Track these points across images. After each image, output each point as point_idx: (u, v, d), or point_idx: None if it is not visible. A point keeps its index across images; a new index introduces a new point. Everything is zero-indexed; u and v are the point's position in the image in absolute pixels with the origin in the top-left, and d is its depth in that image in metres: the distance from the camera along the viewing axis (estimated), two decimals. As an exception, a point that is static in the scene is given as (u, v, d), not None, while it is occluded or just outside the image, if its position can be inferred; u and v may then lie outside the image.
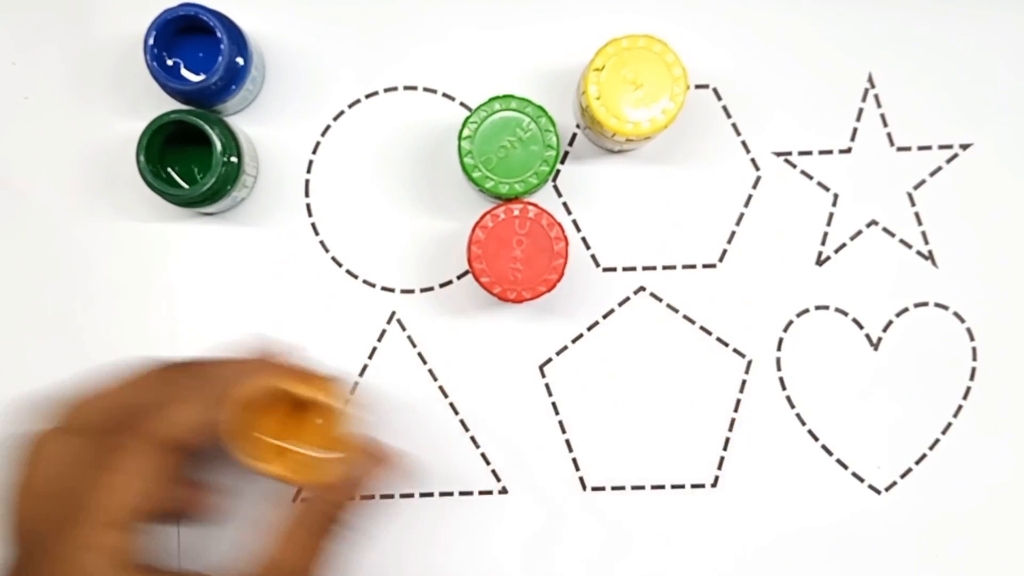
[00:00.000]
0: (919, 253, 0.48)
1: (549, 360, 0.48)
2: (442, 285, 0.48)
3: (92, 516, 0.35)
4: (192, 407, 0.37)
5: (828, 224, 0.48)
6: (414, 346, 0.48)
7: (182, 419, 0.37)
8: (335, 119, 0.47)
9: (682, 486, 0.48)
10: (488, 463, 0.48)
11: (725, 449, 0.48)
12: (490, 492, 0.48)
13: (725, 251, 0.48)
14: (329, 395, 0.38)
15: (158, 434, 0.36)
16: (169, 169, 0.45)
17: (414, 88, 0.48)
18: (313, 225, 0.48)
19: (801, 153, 0.48)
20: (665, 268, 0.48)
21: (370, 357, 0.48)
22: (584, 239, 0.48)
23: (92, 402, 0.38)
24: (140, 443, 0.36)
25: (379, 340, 0.48)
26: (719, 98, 0.48)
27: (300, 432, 0.38)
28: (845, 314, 0.48)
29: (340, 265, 0.48)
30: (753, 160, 0.48)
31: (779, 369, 0.48)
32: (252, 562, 0.38)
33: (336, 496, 0.40)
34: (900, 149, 0.48)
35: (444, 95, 0.47)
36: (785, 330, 0.48)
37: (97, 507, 0.35)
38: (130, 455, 0.36)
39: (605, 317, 0.48)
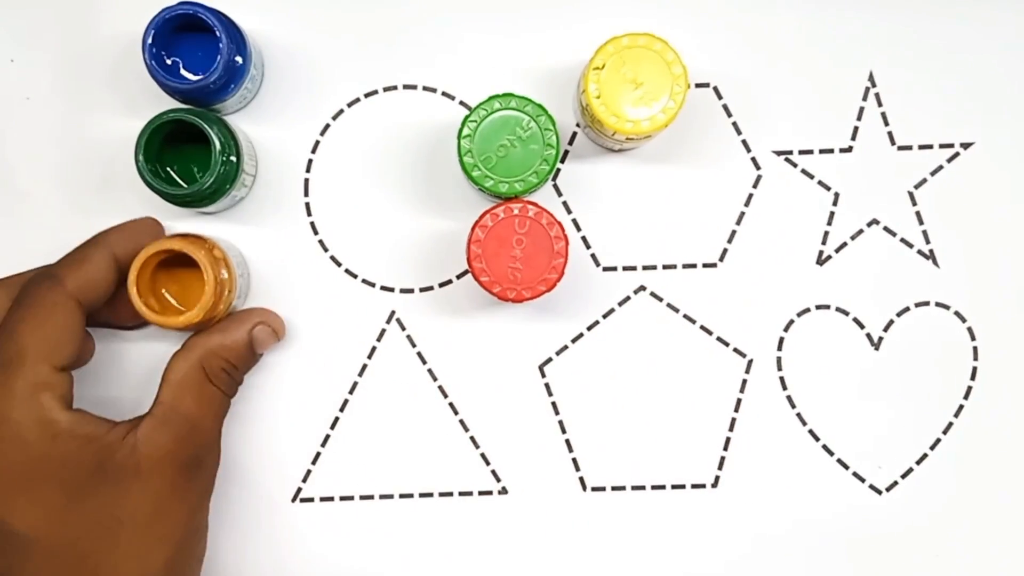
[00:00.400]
0: (920, 252, 0.48)
1: (549, 360, 0.48)
2: (442, 285, 0.48)
3: (34, 358, 0.39)
4: (99, 266, 0.42)
5: (829, 223, 0.48)
6: (414, 346, 0.48)
7: (92, 276, 0.42)
8: (334, 118, 0.47)
9: (682, 486, 0.48)
10: (488, 463, 0.48)
11: (726, 449, 0.48)
12: (490, 492, 0.48)
13: (726, 250, 0.48)
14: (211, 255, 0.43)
15: (73, 288, 0.41)
16: (168, 168, 0.45)
17: (413, 87, 0.47)
18: (312, 224, 0.48)
19: (802, 152, 0.48)
20: (665, 267, 0.48)
21: (369, 357, 0.48)
22: (584, 238, 0.48)
23: (11, 276, 0.43)
24: (63, 297, 0.41)
25: (378, 340, 0.48)
26: (719, 97, 0.48)
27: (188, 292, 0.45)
28: (846, 313, 0.48)
29: (339, 264, 0.48)
30: (754, 159, 0.48)
31: (780, 369, 0.48)
32: (152, 408, 0.42)
33: (235, 354, 0.44)
34: (901, 148, 0.48)
35: (444, 94, 0.47)
36: (786, 329, 0.48)
37: (37, 350, 0.40)
38: (58, 308, 0.40)
39: (605, 317, 0.48)
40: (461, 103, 0.47)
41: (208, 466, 0.44)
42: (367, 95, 0.47)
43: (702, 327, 0.48)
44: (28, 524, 0.39)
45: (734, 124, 0.48)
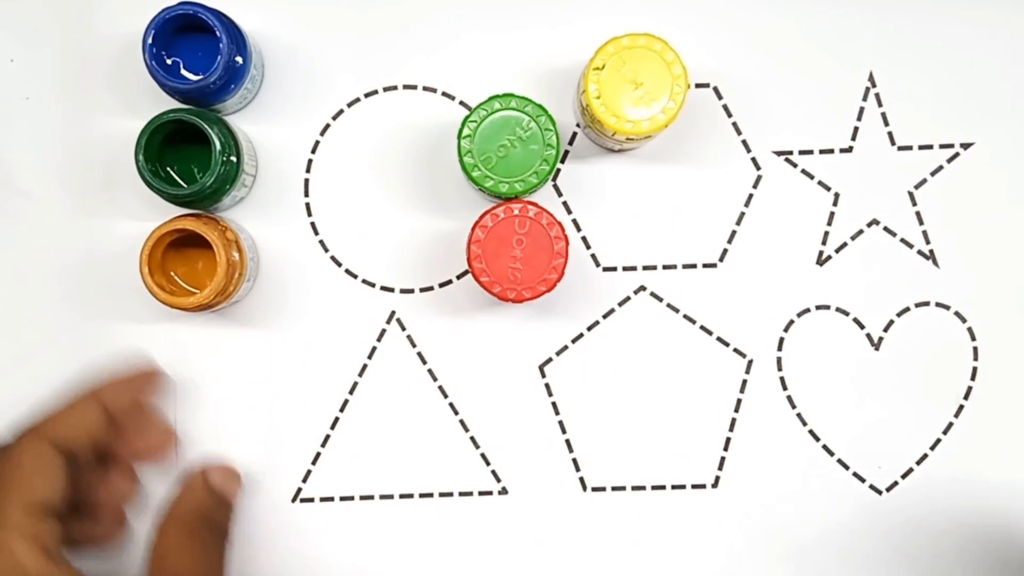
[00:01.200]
0: (920, 252, 0.48)
1: (549, 360, 0.48)
2: (442, 285, 0.48)
3: (13, 506, 0.39)
4: (85, 415, 0.43)
5: (829, 223, 0.48)
6: (414, 346, 0.48)
7: (76, 424, 0.42)
8: (334, 118, 0.47)
9: (683, 486, 0.48)
10: (488, 463, 0.48)
11: (726, 449, 0.48)
12: (490, 492, 0.48)
13: (726, 250, 0.48)
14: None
15: (52, 435, 0.42)
16: (168, 168, 0.45)
17: (413, 87, 0.47)
18: (312, 224, 0.48)
19: (802, 152, 0.48)
20: (665, 267, 0.48)
21: (370, 357, 0.48)
22: (584, 238, 0.48)
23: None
24: (40, 443, 0.41)
25: (379, 340, 0.48)
26: (719, 97, 0.48)
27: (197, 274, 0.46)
28: (846, 314, 0.48)
29: (339, 264, 0.48)
30: (754, 159, 0.48)
31: (780, 369, 0.48)
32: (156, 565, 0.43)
33: (203, 507, 0.45)
34: (901, 148, 0.48)
35: (444, 94, 0.47)
36: (786, 330, 0.48)
37: (17, 498, 0.40)
38: (34, 454, 0.41)
39: (605, 317, 0.48)
40: (461, 103, 0.47)
41: None
42: (367, 95, 0.47)
43: (702, 327, 0.48)
44: None
45: (734, 124, 0.48)
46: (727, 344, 0.48)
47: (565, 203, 0.48)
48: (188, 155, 0.45)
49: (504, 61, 0.47)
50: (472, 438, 0.48)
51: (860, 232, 0.48)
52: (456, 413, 0.48)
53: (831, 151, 0.48)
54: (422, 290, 0.48)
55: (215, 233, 0.43)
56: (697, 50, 0.47)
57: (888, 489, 0.48)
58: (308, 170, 0.47)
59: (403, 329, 0.48)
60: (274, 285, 0.47)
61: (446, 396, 0.48)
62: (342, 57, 0.47)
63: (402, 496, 0.48)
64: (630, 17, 0.47)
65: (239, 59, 0.44)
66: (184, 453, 0.47)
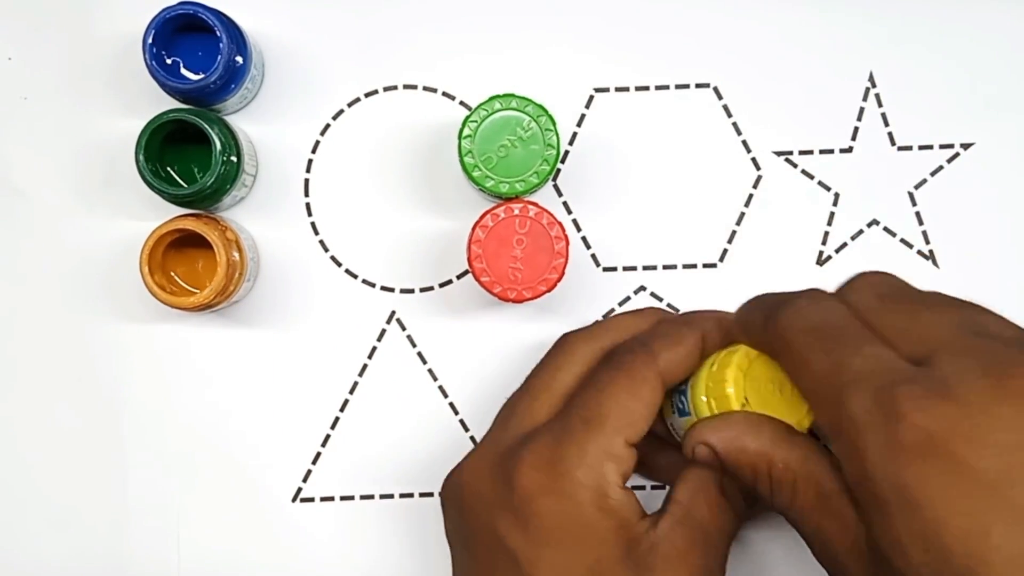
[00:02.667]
0: (920, 253, 0.48)
1: (549, 360, 0.48)
2: (442, 285, 0.48)
3: (613, 426, 0.39)
4: (690, 352, 0.40)
5: (829, 224, 0.48)
6: (414, 346, 0.48)
7: (682, 361, 0.40)
8: (335, 118, 0.47)
9: (683, 486, 0.48)
10: (488, 463, 0.48)
11: (726, 449, 0.48)
12: (490, 492, 0.48)
13: (726, 251, 0.48)
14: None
15: (664, 366, 0.40)
16: (168, 168, 0.45)
17: (414, 87, 0.47)
18: (313, 224, 0.48)
19: (802, 152, 0.48)
20: (666, 268, 0.48)
21: (370, 357, 0.48)
22: (584, 238, 0.48)
23: (606, 325, 0.44)
24: (653, 374, 0.40)
25: (379, 340, 0.48)
26: (719, 97, 0.48)
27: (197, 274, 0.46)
28: (846, 314, 0.48)
29: (340, 264, 0.48)
30: (754, 159, 0.48)
31: (780, 369, 0.48)
32: (668, 506, 0.40)
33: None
34: (901, 148, 0.48)
35: (444, 94, 0.47)
36: (786, 330, 0.48)
37: (618, 419, 0.39)
38: (650, 387, 0.39)
39: (606, 317, 0.48)
40: (461, 103, 0.47)
41: None
42: (367, 95, 0.47)
43: (702, 327, 0.48)
44: None
45: (734, 124, 0.48)
46: (727, 344, 0.48)
47: (565, 203, 0.48)
48: (188, 155, 0.45)
49: (505, 61, 0.47)
50: (472, 438, 0.48)
51: (860, 232, 0.48)
52: (456, 413, 0.48)
53: (831, 151, 0.48)
54: (422, 290, 0.48)
55: (215, 233, 0.43)
56: (697, 50, 0.47)
57: (888, 489, 0.48)
58: (308, 170, 0.47)
59: (403, 329, 0.48)
60: (274, 285, 0.47)
61: (446, 396, 0.48)
62: (342, 57, 0.47)
63: (402, 496, 0.48)
64: (630, 16, 0.47)
65: (239, 59, 0.44)
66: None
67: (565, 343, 0.43)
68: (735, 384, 0.38)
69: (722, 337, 0.40)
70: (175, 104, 0.45)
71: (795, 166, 0.48)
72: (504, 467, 0.40)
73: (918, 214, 0.48)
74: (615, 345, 0.42)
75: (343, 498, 0.48)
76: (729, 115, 0.48)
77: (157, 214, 0.46)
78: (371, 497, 0.48)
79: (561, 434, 0.39)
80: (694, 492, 0.40)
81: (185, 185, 0.43)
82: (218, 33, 0.42)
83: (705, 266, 0.48)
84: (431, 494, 0.48)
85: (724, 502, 0.40)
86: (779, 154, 0.48)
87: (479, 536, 0.41)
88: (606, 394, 0.39)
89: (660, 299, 0.48)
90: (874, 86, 0.48)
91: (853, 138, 0.48)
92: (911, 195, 0.48)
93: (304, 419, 0.48)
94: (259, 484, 0.48)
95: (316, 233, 0.48)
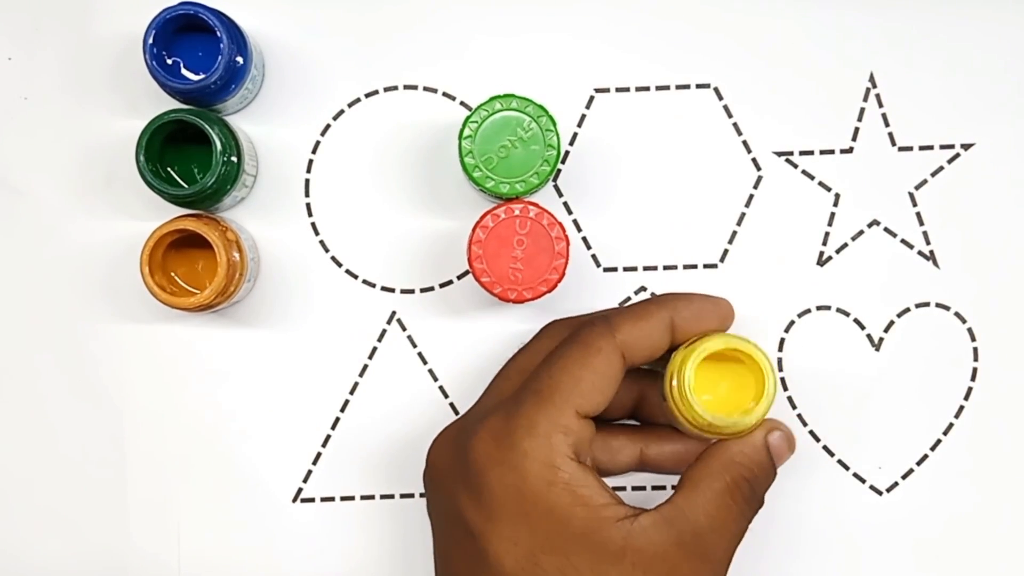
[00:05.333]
0: (920, 253, 0.48)
1: (549, 360, 0.48)
2: (442, 285, 0.48)
3: (562, 398, 0.39)
4: (654, 327, 0.41)
5: (829, 224, 0.48)
6: (414, 346, 0.48)
7: (645, 334, 0.41)
8: (335, 118, 0.47)
9: (683, 486, 0.48)
10: (488, 463, 0.48)
11: (726, 449, 0.48)
12: (490, 492, 0.48)
13: (726, 251, 0.48)
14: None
15: (622, 339, 0.40)
16: (169, 168, 0.45)
17: (414, 87, 0.47)
18: (313, 225, 0.48)
19: (802, 153, 0.48)
20: (666, 268, 0.48)
21: (370, 357, 0.48)
22: (585, 239, 0.48)
23: (574, 317, 0.45)
24: (609, 344, 0.40)
25: (379, 340, 0.48)
26: (719, 98, 0.48)
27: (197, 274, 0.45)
28: (846, 314, 0.48)
29: (340, 265, 0.48)
30: (754, 160, 0.48)
31: (780, 369, 0.48)
32: (661, 505, 0.39)
33: (759, 468, 0.41)
34: (902, 149, 0.48)
35: (444, 94, 0.47)
36: (786, 330, 0.48)
37: (567, 390, 0.39)
38: (603, 357, 0.40)
39: (606, 317, 0.48)
40: (462, 103, 0.47)
41: None
42: (368, 95, 0.47)
43: (703, 327, 0.48)
44: (496, 553, 0.38)
45: (734, 125, 0.48)
46: (727, 344, 0.48)
47: (566, 203, 0.48)
48: (189, 155, 0.45)
49: (505, 61, 0.47)
50: (472, 438, 0.48)
51: (860, 233, 0.48)
52: (456, 413, 0.48)
53: (831, 152, 0.48)
54: (422, 290, 0.48)
55: (216, 233, 0.43)
56: (697, 50, 0.47)
57: (888, 489, 0.48)
58: (309, 170, 0.47)
59: (403, 329, 0.48)
60: (275, 285, 0.47)
61: (446, 396, 0.48)
62: (343, 57, 0.47)
63: (402, 496, 0.48)
64: (629, 15, 0.47)
65: (240, 59, 0.44)
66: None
67: (547, 325, 0.45)
68: (695, 374, 0.40)
69: (694, 317, 0.41)
70: (175, 104, 0.44)
71: (795, 166, 0.48)
72: (460, 442, 0.41)
73: (918, 214, 0.48)
74: (578, 327, 0.42)
75: (343, 498, 0.48)
76: (729, 115, 0.48)
77: (157, 214, 0.46)
78: (371, 497, 0.48)
79: (513, 407, 0.40)
80: (693, 495, 0.39)
81: (185, 185, 0.43)
82: (218, 33, 0.42)
83: (705, 266, 0.48)
84: (431, 494, 0.48)
85: (729, 506, 0.39)
86: (779, 154, 0.48)
87: (442, 511, 0.42)
88: (557, 366, 0.40)
89: (660, 299, 0.48)
90: (874, 86, 0.48)
91: (854, 138, 0.48)
92: (911, 195, 0.48)
93: (304, 419, 0.48)
94: (259, 484, 0.48)
95: (316, 233, 0.48)
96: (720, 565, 0.39)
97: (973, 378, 0.48)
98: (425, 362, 0.48)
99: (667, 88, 0.48)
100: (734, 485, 0.40)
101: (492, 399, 0.43)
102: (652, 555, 0.38)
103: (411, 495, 0.48)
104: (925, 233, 0.48)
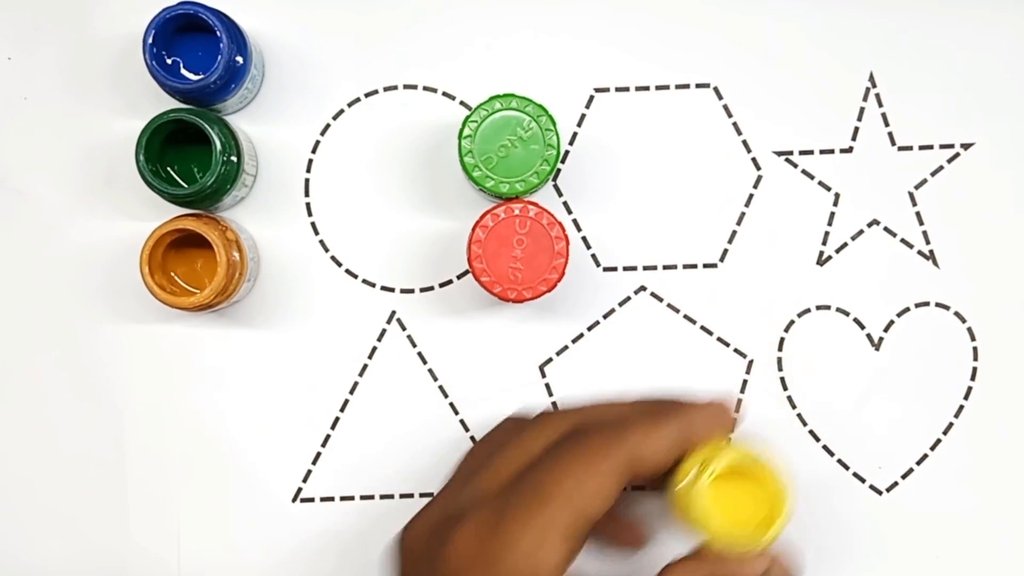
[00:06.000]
0: (920, 253, 0.48)
1: (549, 360, 0.48)
2: (442, 285, 0.48)
3: (563, 500, 0.36)
4: (665, 440, 0.38)
5: (829, 224, 0.48)
6: (414, 346, 0.48)
7: (656, 448, 0.38)
8: (335, 118, 0.47)
9: (683, 486, 0.48)
10: (488, 463, 0.48)
11: (726, 449, 0.48)
12: (490, 492, 0.48)
13: (726, 251, 0.48)
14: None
15: (630, 454, 0.37)
16: (169, 168, 0.45)
17: (414, 87, 0.47)
18: (313, 224, 0.48)
19: (802, 152, 0.48)
20: (666, 268, 0.48)
21: (370, 357, 0.48)
22: (584, 238, 0.48)
23: (587, 408, 0.41)
24: (617, 453, 0.37)
25: (379, 340, 0.48)
26: (719, 97, 0.48)
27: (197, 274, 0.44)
28: (846, 314, 0.48)
29: (340, 264, 0.48)
30: (754, 160, 0.48)
31: (780, 369, 0.48)
32: None
33: None
34: (901, 148, 0.48)
35: (444, 94, 0.47)
36: (786, 330, 0.48)
37: (568, 493, 0.36)
38: (606, 461, 0.37)
39: (606, 317, 0.48)
40: (462, 103, 0.47)
41: None
42: (367, 95, 0.47)
43: (702, 327, 0.48)
44: None
45: (734, 124, 0.48)
46: (727, 344, 0.48)
47: (565, 203, 0.48)
48: (189, 155, 0.45)
49: (505, 61, 0.47)
50: (472, 438, 0.48)
51: (860, 232, 0.48)
52: (456, 413, 0.48)
53: (831, 151, 0.48)
54: (422, 290, 0.48)
55: (215, 233, 0.43)
56: (697, 50, 0.47)
57: (888, 489, 0.48)
58: (308, 170, 0.47)
59: (403, 329, 0.48)
60: (274, 285, 0.47)
61: (446, 396, 0.48)
62: (342, 57, 0.47)
63: (402, 496, 0.48)
64: (629, 16, 0.47)
65: (239, 59, 0.44)
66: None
67: (541, 416, 0.42)
68: (700, 489, 0.38)
69: (707, 428, 0.39)
70: (175, 104, 0.45)
71: (795, 166, 0.48)
72: (442, 531, 0.38)
73: (918, 214, 0.48)
74: (588, 422, 0.40)
75: (343, 498, 0.48)
76: (729, 115, 0.48)
77: (157, 214, 0.46)
78: (371, 497, 0.48)
79: (506, 506, 0.37)
80: None
81: (185, 185, 0.43)
82: (218, 33, 0.42)
83: (705, 266, 0.48)
84: (431, 494, 0.48)
85: None
86: (779, 154, 0.48)
87: None
88: (561, 468, 0.37)
89: (660, 299, 0.48)
90: (874, 86, 0.48)
91: (853, 138, 0.48)
92: (911, 195, 0.48)
93: (304, 419, 0.48)
94: (259, 484, 0.48)
95: (316, 233, 0.48)
96: None
97: (973, 378, 0.48)
98: (425, 362, 0.48)
99: (667, 88, 0.48)
100: None
101: (480, 487, 0.39)
102: None
103: (411, 495, 0.48)
104: (925, 233, 0.48)
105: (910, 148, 0.48)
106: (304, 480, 0.48)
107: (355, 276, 0.48)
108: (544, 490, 0.37)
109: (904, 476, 0.48)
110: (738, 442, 0.41)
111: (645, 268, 0.48)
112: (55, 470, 0.47)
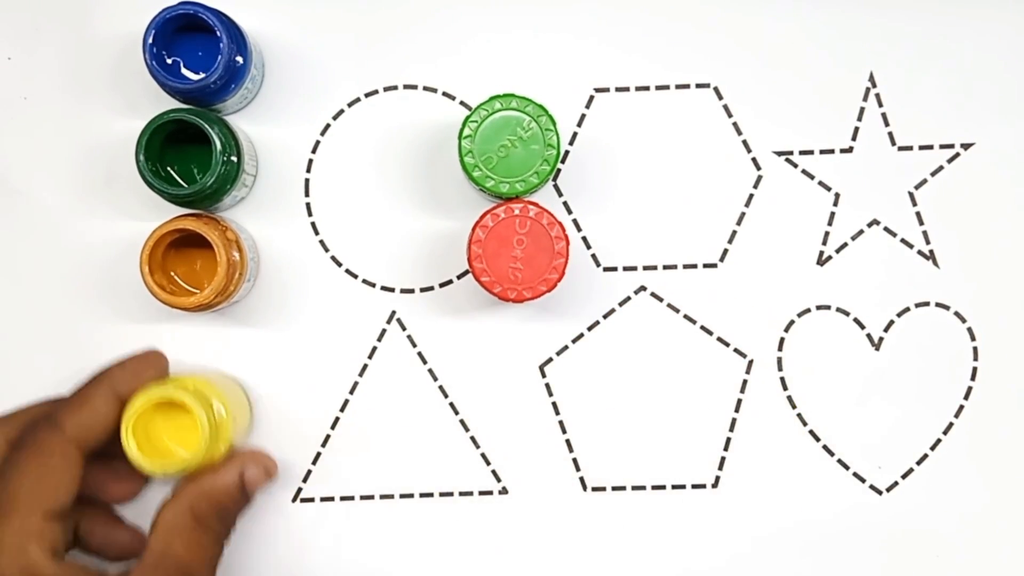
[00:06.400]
0: (920, 253, 0.48)
1: (549, 360, 0.48)
2: (442, 285, 0.48)
3: (27, 507, 0.39)
4: (96, 405, 0.41)
5: (829, 224, 0.48)
6: (414, 346, 0.48)
7: (92, 416, 0.41)
8: (335, 118, 0.47)
9: (683, 486, 0.48)
10: (488, 463, 0.48)
11: (726, 449, 0.48)
12: (490, 492, 0.48)
13: (726, 251, 0.48)
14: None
15: (73, 433, 0.40)
16: (169, 168, 0.45)
17: (414, 87, 0.47)
18: (313, 224, 0.48)
19: (802, 152, 0.48)
20: (666, 268, 0.48)
21: (370, 357, 0.48)
22: (585, 238, 0.48)
23: (14, 413, 0.43)
24: (62, 443, 0.40)
25: (379, 340, 0.48)
26: (719, 97, 0.48)
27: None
28: (846, 314, 0.48)
29: (340, 264, 0.48)
30: (754, 159, 0.48)
31: (780, 369, 0.48)
32: (144, 556, 0.41)
33: (226, 496, 0.43)
34: (901, 148, 0.48)
35: (444, 94, 0.47)
36: (786, 330, 0.48)
37: (30, 499, 0.39)
38: (59, 458, 0.40)
39: (606, 317, 0.48)
40: (462, 103, 0.47)
41: None
42: (367, 95, 0.47)
43: (702, 327, 0.48)
44: None
45: (734, 124, 0.48)
46: (727, 344, 0.48)
47: (565, 203, 0.48)
48: (189, 155, 0.45)
49: (505, 61, 0.47)
50: (472, 438, 0.48)
51: (860, 232, 0.48)
52: (456, 413, 0.48)
53: (831, 151, 0.48)
54: (422, 290, 0.48)
55: (215, 233, 0.43)
56: (697, 50, 0.47)
57: (888, 489, 0.48)
58: (308, 170, 0.47)
59: (403, 329, 0.48)
60: (274, 285, 0.47)
61: (446, 396, 0.48)
62: (342, 57, 0.47)
63: (402, 496, 0.48)
64: (630, 15, 0.47)
65: (239, 59, 0.44)
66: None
67: None
68: (132, 432, 0.41)
69: (132, 378, 0.42)
70: (175, 104, 0.44)
71: (795, 166, 0.48)
72: None
73: (918, 214, 0.48)
74: (23, 429, 0.41)
75: (343, 498, 0.48)
76: (729, 115, 0.48)
77: (157, 214, 0.46)
78: (371, 497, 0.48)
79: None
80: (169, 536, 0.41)
81: (185, 185, 0.43)
82: (218, 33, 0.42)
83: (705, 266, 0.48)
84: (431, 494, 0.48)
85: (202, 535, 0.42)
86: (779, 154, 0.48)
87: None
88: (14, 479, 0.39)
89: (660, 299, 0.48)
90: (874, 86, 0.48)
91: (853, 138, 0.48)
92: (911, 195, 0.48)
93: (304, 419, 0.48)
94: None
95: (316, 233, 0.48)
96: None
97: (973, 378, 0.48)
98: (425, 362, 0.48)
99: (667, 88, 0.48)
100: (203, 518, 0.42)
101: None
102: None
103: (411, 495, 0.48)
104: (925, 233, 0.48)
105: (910, 148, 0.48)
106: (304, 480, 0.48)
107: (355, 276, 0.48)
108: (3, 505, 0.39)
109: (904, 476, 0.48)
110: (160, 383, 0.43)
111: (645, 268, 0.48)
112: (55, 470, 0.47)
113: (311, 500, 0.48)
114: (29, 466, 0.40)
